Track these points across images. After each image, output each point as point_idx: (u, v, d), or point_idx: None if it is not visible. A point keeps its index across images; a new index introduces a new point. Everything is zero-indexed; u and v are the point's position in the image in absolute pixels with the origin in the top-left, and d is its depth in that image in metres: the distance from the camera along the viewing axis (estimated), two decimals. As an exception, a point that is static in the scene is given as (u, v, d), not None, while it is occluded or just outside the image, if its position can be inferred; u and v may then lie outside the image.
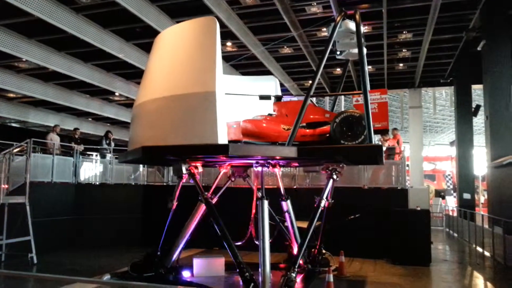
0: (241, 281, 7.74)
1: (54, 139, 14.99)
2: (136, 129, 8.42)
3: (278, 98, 9.60)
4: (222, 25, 14.15)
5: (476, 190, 24.49)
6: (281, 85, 18.45)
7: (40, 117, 27.80)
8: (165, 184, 16.09)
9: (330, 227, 10.75)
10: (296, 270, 7.76)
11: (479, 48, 16.41)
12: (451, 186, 32.17)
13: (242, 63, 20.21)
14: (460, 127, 22.52)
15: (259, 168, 8.68)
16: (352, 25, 8.33)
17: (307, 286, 9.14)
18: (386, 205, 12.58)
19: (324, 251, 10.64)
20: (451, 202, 27.54)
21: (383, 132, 9.72)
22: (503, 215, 12.60)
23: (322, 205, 8.54)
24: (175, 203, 9.24)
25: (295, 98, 10.05)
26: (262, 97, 9.11)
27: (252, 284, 7.48)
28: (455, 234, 18.65)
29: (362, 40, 8.12)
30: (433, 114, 34.81)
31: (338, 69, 22.90)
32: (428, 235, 11.83)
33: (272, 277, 7.77)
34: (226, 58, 19.15)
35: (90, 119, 31.26)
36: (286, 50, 20.22)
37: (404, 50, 20.53)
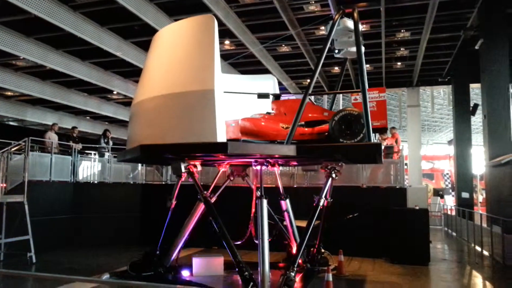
0: (240, 280, 7.73)
1: (52, 138, 14.97)
2: (134, 128, 8.39)
3: (276, 97, 9.59)
4: (220, 23, 14.07)
5: (474, 189, 24.50)
6: (279, 83, 18.43)
7: (38, 116, 27.70)
8: (163, 183, 16.08)
9: (328, 226, 10.76)
10: (295, 269, 7.76)
11: (477, 47, 16.40)
12: (450, 185, 32.19)
13: (240, 62, 20.17)
14: (458, 126, 22.54)
15: (258, 167, 8.67)
16: (350, 23, 8.32)
17: (306, 285, 9.14)
18: (385, 204, 12.59)
19: (323, 250, 10.65)
20: (450, 201, 27.56)
21: (381, 130, 9.70)
22: (501, 214, 12.62)
23: (321, 204, 8.54)
24: (174, 202, 9.22)
25: (293, 97, 10.02)
26: (261, 96, 9.10)
27: (251, 283, 7.47)
28: (454, 233, 18.68)
29: (360, 38, 8.11)
30: (431, 113, 34.83)
31: (336, 68, 22.88)
32: (426, 234, 11.84)
33: (271, 276, 7.75)
34: (224, 56, 19.10)
35: (88, 117, 31.18)
36: (284, 49, 20.18)
37: (402, 49, 20.51)
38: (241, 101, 9.73)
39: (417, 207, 12.43)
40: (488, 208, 15.43)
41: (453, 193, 28.09)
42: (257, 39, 18.49)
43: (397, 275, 10.39)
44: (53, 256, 12.35)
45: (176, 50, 7.80)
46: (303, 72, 23.65)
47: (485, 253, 13.25)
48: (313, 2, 15.45)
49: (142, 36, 16.99)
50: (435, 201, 26.86)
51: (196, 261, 9.74)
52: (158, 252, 9.30)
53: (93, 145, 17.24)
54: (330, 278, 8.18)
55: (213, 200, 9.05)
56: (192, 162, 8.43)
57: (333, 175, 8.72)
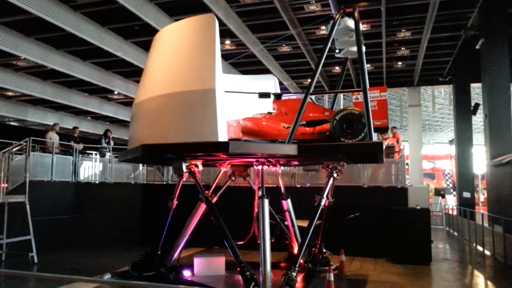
0: (241, 280, 7.73)
1: (53, 138, 14.97)
2: (135, 128, 8.39)
3: (277, 96, 9.58)
4: (221, 23, 14.02)
5: (475, 189, 24.49)
6: (280, 83, 18.42)
7: (39, 116, 27.73)
8: (164, 183, 16.06)
9: (330, 226, 10.75)
10: (296, 269, 7.75)
11: (477, 47, 16.41)
12: (451, 185, 32.18)
13: (241, 62, 20.16)
14: (459, 126, 22.54)
15: (260, 167, 8.67)
16: (351, 23, 8.30)
17: (308, 285, 9.13)
18: (386, 204, 12.57)
19: (324, 250, 10.64)
20: (451, 201, 27.55)
21: (383, 129, 9.70)
22: (502, 214, 12.61)
23: (322, 204, 8.53)
24: (175, 202, 9.21)
25: (294, 96, 10.01)
26: (262, 95, 9.09)
27: (253, 283, 7.47)
28: (455, 233, 18.66)
29: (361, 37, 8.10)
30: (432, 112, 34.79)
31: (337, 67, 22.89)
32: (428, 234, 11.83)
33: (272, 276, 7.76)
34: (225, 56, 19.09)
35: (89, 117, 31.20)
36: (285, 48, 20.18)
37: (402, 49, 20.51)
38: (242, 101, 9.72)
39: (418, 207, 12.42)
40: (489, 208, 15.42)
41: (454, 192, 28.10)
42: (257, 39, 18.49)
43: (398, 275, 10.38)
44: (54, 256, 12.35)
45: (177, 50, 7.80)
46: (304, 72, 23.66)
47: (487, 252, 13.23)
48: (313, 1, 15.45)
49: (143, 36, 17.01)
50: (436, 200, 26.88)
51: (198, 261, 9.73)
52: (159, 252, 9.31)
53: (94, 145, 17.25)
54: (332, 278, 8.17)
55: (214, 200, 9.03)
56: (193, 162, 8.43)
57: (335, 175, 8.71)
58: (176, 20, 12.91)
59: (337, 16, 8.16)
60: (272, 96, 9.26)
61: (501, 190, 14.15)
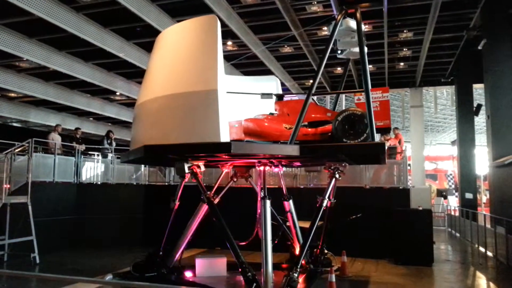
0: (243, 281, 7.72)
1: (55, 139, 14.99)
2: (138, 129, 8.40)
3: (279, 97, 9.57)
4: (223, 24, 14.10)
5: (478, 190, 24.43)
6: (282, 84, 18.42)
7: (41, 117, 27.78)
8: (166, 184, 16.09)
9: (332, 227, 10.73)
10: (298, 270, 7.75)
11: (480, 47, 16.38)
12: (453, 186, 32.14)
13: (243, 63, 20.17)
14: (462, 127, 22.50)
15: (262, 168, 8.66)
16: (353, 24, 8.30)
17: (309, 286, 9.10)
18: (388, 205, 12.55)
19: (326, 251, 10.62)
20: (453, 202, 27.50)
21: (385, 130, 9.68)
22: (505, 215, 12.58)
23: (324, 204, 8.52)
24: (177, 203, 9.22)
25: (296, 97, 10.00)
26: (264, 96, 9.09)
27: (255, 284, 7.46)
28: (457, 234, 18.62)
29: (363, 38, 8.09)
30: (434, 113, 34.81)
31: (339, 68, 22.87)
32: (430, 235, 11.80)
33: (274, 277, 7.75)
34: (227, 57, 19.11)
35: (91, 118, 31.25)
36: (287, 49, 20.19)
37: (404, 49, 20.49)
38: (244, 102, 9.72)
39: (420, 208, 12.40)
40: (491, 209, 15.37)
41: (456, 193, 28.02)
42: (259, 40, 18.49)
43: (400, 276, 10.36)
44: (56, 257, 12.37)
45: (179, 51, 7.80)
46: (306, 72, 23.65)
47: (489, 254, 13.20)
48: (315, 2, 15.45)
49: (145, 37, 17.01)
50: (438, 201, 26.86)
51: (199, 262, 9.73)
52: (161, 253, 9.30)
53: (96, 146, 17.28)
54: (333, 279, 8.17)
55: (216, 201, 9.04)
56: (195, 163, 8.43)
57: (337, 176, 8.70)
58: (178, 21, 12.94)
59: (339, 17, 8.15)
60: (274, 97, 9.26)
61: (503, 191, 14.11)
